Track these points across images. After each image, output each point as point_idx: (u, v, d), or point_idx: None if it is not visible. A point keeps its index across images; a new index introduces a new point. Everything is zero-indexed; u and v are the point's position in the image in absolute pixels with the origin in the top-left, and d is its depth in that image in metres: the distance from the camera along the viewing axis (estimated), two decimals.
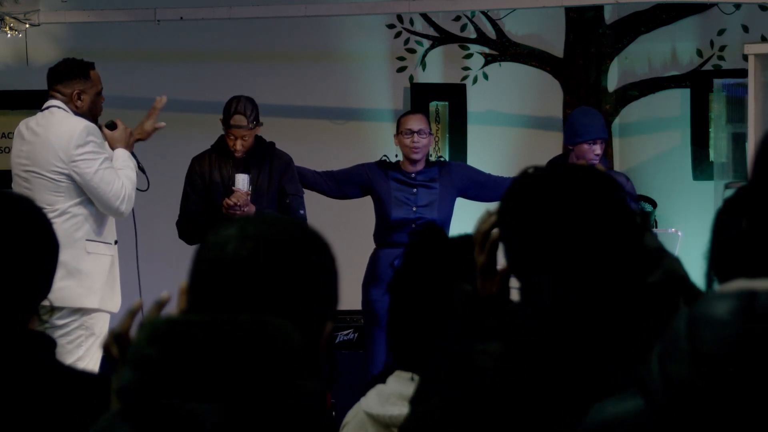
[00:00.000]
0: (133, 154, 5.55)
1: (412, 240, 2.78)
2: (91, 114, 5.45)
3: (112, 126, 5.51)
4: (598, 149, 6.55)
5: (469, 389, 1.95)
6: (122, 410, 1.53)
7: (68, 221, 5.32)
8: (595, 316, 1.87)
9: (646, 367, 1.36)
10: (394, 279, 2.76)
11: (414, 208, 6.48)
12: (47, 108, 5.43)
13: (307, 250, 1.63)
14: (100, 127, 5.52)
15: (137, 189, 5.56)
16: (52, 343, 1.99)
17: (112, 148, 5.50)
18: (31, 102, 7.97)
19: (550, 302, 1.89)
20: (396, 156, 6.66)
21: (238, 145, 6.07)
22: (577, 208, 1.91)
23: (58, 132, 5.33)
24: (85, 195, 5.35)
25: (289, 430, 1.49)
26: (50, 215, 5.27)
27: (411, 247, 2.74)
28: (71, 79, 5.43)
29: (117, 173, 5.36)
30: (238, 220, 1.65)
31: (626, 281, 1.88)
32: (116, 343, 1.81)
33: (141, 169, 5.64)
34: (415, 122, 6.54)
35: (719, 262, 1.48)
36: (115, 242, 5.53)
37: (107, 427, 1.55)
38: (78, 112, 5.40)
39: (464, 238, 2.74)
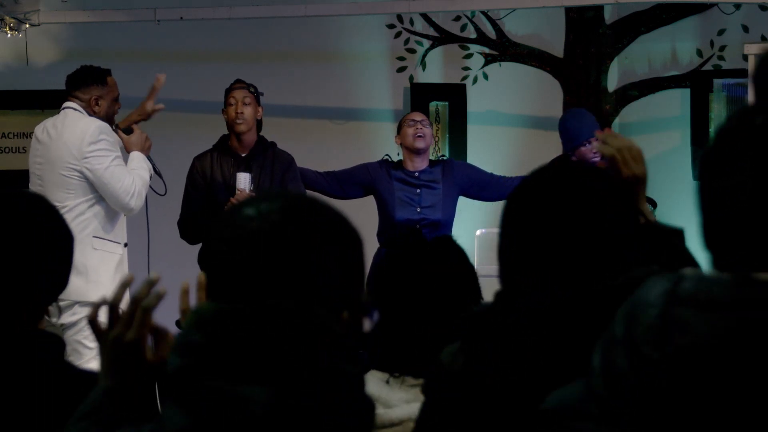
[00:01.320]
0: (149, 158, 5.71)
1: (391, 245, 2.80)
2: (107, 119, 5.61)
3: (128, 131, 5.71)
4: (596, 148, 6.56)
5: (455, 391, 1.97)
6: (173, 395, 1.54)
7: (77, 218, 5.43)
8: (565, 316, 1.89)
9: (593, 354, 1.38)
10: (375, 283, 2.76)
11: (418, 209, 6.48)
12: (63, 110, 5.59)
13: (332, 234, 1.65)
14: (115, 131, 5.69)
15: (156, 193, 5.76)
16: (60, 343, 1.99)
17: (128, 151, 5.68)
18: (31, 102, 7.99)
19: (530, 303, 1.91)
20: (398, 155, 6.66)
21: (239, 109, 6.07)
22: (581, 210, 1.92)
23: (72, 130, 5.48)
24: (95, 193, 5.48)
25: (333, 411, 1.51)
26: (60, 212, 5.42)
27: (390, 252, 2.76)
28: (89, 85, 5.59)
29: (128, 171, 5.51)
30: (255, 202, 1.65)
31: (596, 283, 1.90)
32: (108, 312, 1.81)
33: (157, 173, 5.78)
34: (417, 115, 6.65)
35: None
36: (125, 245, 5.64)
37: (161, 413, 1.57)
38: (95, 117, 5.55)
39: (442, 240, 2.76)
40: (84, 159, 5.43)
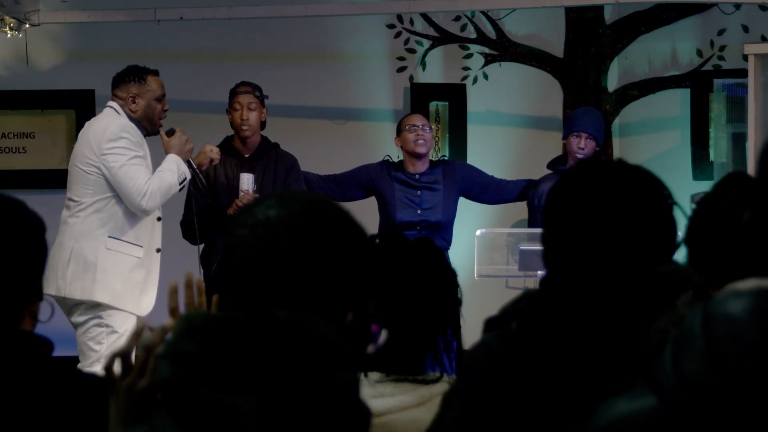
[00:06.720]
0: (191, 164, 5.66)
1: (399, 249, 2.80)
2: (147, 119, 5.59)
3: (170, 132, 5.67)
4: (582, 143, 6.57)
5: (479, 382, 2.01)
6: (163, 403, 1.54)
7: (92, 215, 5.42)
8: (607, 306, 1.92)
9: (659, 364, 1.36)
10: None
11: (418, 211, 6.49)
12: (104, 109, 5.62)
13: (335, 237, 1.63)
14: (153, 133, 5.66)
15: (196, 202, 5.77)
16: (46, 345, 1.98)
17: (167, 153, 5.64)
18: (31, 102, 7.99)
19: (569, 293, 1.96)
20: (398, 157, 6.67)
21: (244, 115, 6.10)
22: (623, 204, 1.99)
23: (96, 127, 5.51)
24: (115, 192, 5.44)
25: (326, 420, 1.50)
26: (77, 208, 5.40)
27: (399, 256, 2.77)
28: (127, 82, 5.60)
29: (145, 171, 5.45)
30: (259, 204, 1.65)
31: (636, 272, 1.95)
32: (120, 362, 1.82)
33: (200, 182, 5.73)
34: (418, 119, 6.64)
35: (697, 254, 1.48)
36: (158, 250, 5.60)
37: (153, 421, 1.57)
38: (133, 116, 5.55)
39: (421, 241, 2.80)
40: (102, 156, 5.41)
